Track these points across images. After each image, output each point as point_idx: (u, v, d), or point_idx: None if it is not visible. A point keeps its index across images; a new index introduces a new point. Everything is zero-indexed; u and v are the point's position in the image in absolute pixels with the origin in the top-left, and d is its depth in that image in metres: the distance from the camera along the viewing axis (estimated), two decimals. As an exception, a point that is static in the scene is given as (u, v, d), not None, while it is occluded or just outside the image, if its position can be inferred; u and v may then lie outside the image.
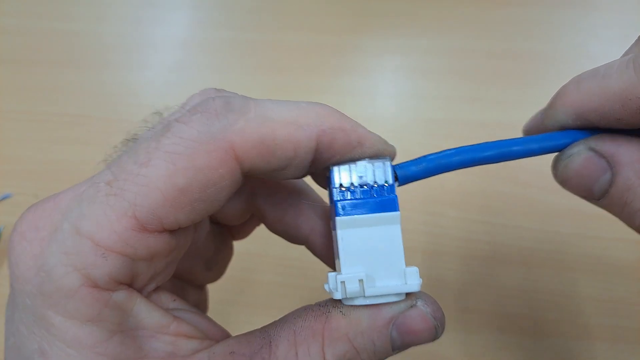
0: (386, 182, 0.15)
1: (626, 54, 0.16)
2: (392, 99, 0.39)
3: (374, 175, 0.15)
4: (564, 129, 0.16)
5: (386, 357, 0.15)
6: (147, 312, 0.15)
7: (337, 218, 0.15)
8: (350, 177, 0.15)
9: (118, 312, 0.14)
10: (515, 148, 0.17)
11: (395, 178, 0.16)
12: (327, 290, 0.15)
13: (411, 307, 0.15)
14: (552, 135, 0.16)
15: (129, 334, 0.14)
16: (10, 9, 0.45)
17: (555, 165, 0.16)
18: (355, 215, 0.15)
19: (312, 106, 0.14)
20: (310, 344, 0.14)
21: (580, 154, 0.15)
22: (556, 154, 0.16)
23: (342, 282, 0.14)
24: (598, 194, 0.15)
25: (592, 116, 0.14)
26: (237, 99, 0.14)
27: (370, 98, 0.39)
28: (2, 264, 0.34)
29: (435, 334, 0.15)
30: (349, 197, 0.15)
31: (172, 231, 0.14)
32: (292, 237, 0.19)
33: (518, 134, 0.31)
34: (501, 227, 0.33)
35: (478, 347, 0.30)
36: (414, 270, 0.15)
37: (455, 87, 0.39)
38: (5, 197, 0.36)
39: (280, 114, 0.14)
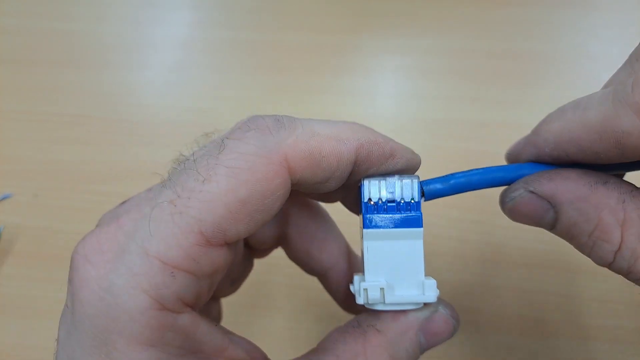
0: (413, 198, 0.16)
1: (609, 82, 0.16)
2: (392, 99, 0.39)
3: (402, 191, 0.16)
4: (539, 157, 0.16)
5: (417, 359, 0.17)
6: (208, 335, 0.15)
7: (365, 230, 0.16)
8: (380, 192, 0.16)
9: (182, 336, 0.14)
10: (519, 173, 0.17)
11: (422, 194, 0.17)
12: (352, 291, 0.17)
13: (434, 312, 0.17)
14: (507, 167, 0.17)
15: (189, 358, 0.14)
16: (10, 9, 0.45)
17: (501, 203, 0.17)
18: (382, 229, 0.16)
19: (350, 124, 0.16)
20: None
21: (522, 196, 0.16)
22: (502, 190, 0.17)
23: (365, 289, 0.16)
24: (547, 227, 0.16)
25: (569, 148, 0.14)
26: (285, 118, 0.15)
27: (370, 98, 0.39)
28: (2, 264, 0.34)
29: (453, 331, 0.17)
30: (377, 211, 0.16)
31: (230, 245, 0.14)
32: (310, 269, 0.21)
33: (518, 133, 0.31)
34: (501, 228, 0.33)
35: (477, 348, 0.30)
36: (432, 283, 0.16)
37: (455, 87, 0.39)
38: (5, 197, 0.36)
39: (324, 130, 0.15)
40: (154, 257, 0.13)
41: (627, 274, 0.14)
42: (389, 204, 0.16)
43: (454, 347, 0.30)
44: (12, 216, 0.36)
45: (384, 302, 0.16)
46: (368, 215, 0.16)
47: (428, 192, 0.17)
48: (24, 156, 0.38)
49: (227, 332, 0.16)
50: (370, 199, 0.16)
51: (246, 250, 0.21)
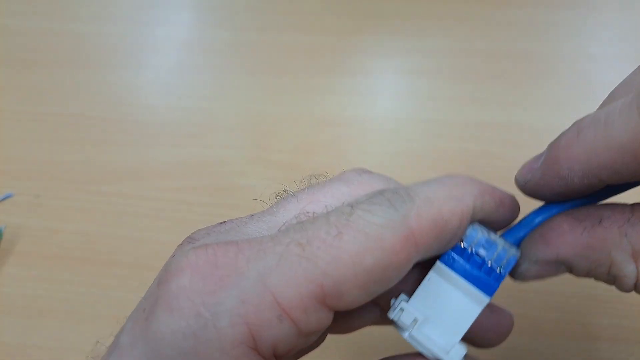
0: (501, 269, 0.16)
1: (623, 86, 0.15)
2: (393, 99, 0.39)
3: (497, 256, 0.16)
4: (569, 187, 0.14)
5: None
6: None
7: (439, 262, 0.16)
8: (477, 243, 0.16)
9: None
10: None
11: (510, 273, 0.16)
12: (391, 303, 0.16)
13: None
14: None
15: None
16: (10, 9, 0.45)
17: (512, 274, 0.17)
18: (454, 273, 0.15)
19: (455, 178, 0.16)
20: None
21: (529, 269, 0.16)
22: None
23: (402, 310, 0.15)
24: (568, 272, 0.16)
25: (602, 173, 0.13)
26: (401, 189, 0.15)
27: (370, 98, 0.39)
28: (3, 264, 0.34)
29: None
30: (462, 255, 0.16)
31: (335, 312, 0.14)
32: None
33: (518, 133, 0.31)
34: (501, 227, 0.33)
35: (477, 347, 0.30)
36: (461, 350, 0.15)
37: (455, 87, 0.39)
38: (6, 197, 0.36)
39: (438, 193, 0.15)
40: (269, 291, 0.12)
41: None
42: (476, 257, 0.16)
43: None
44: (13, 216, 0.36)
45: (409, 332, 0.15)
46: (452, 254, 0.16)
47: (517, 276, 0.16)
48: (25, 156, 0.38)
49: None
50: (463, 242, 0.16)
51: None
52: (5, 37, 0.43)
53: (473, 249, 0.16)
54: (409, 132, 0.37)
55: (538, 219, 0.16)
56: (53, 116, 0.39)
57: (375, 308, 0.19)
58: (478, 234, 0.16)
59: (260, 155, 0.37)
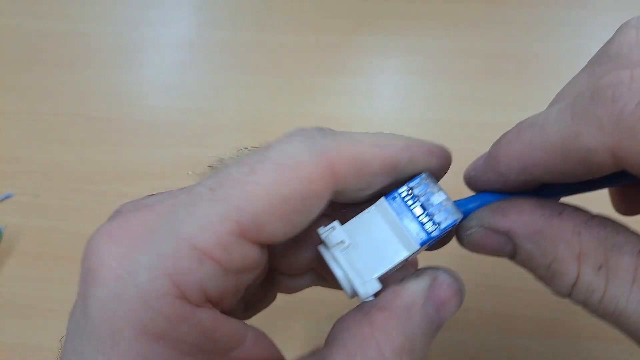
0: (439, 224, 0.16)
1: (564, 93, 0.16)
2: (392, 99, 0.39)
3: (440, 212, 0.16)
4: (506, 183, 0.15)
5: (433, 337, 0.15)
6: (227, 335, 0.14)
7: (382, 198, 0.16)
8: (424, 191, 0.16)
9: (197, 332, 0.13)
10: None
11: (457, 237, 0.17)
12: (319, 232, 0.16)
13: (434, 279, 0.16)
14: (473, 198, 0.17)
15: (201, 357, 0.13)
16: (10, 9, 0.45)
17: (458, 237, 0.17)
18: (393, 211, 0.16)
19: (387, 134, 0.16)
20: (366, 350, 0.14)
21: (478, 232, 0.16)
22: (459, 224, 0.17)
23: (332, 228, 0.15)
24: (509, 258, 0.16)
25: (535, 171, 0.14)
26: (327, 128, 0.15)
27: (370, 98, 0.39)
28: (3, 264, 0.34)
29: (462, 295, 0.16)
30: (405, 199, 0.16)
31: (262, 247, 0.14)
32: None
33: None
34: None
35: (477, 347, 0.30)
36: (375, 286, 0.15)
37: (455, 87, 0.39)
38: (6, 197, 0.36)
39: (365, 138, 0.15)
40: (184, 239, 0.12)
41: (584, 307, 0.14)
42: (419, 204, 0.16)
43: (454, 346, 0.30)
44: (13, 216, 0.36)
45: (333, 252, 0.15)
46: (396, 194, 0.16)
47: (462, 237, 0.17)
48: (24, 156, 0.38)
49: (247, 329, 0.15)
50: (412, 189, 0.16)
51: (271, 277, 0.20)
52: (5, 37, 0.43)
53: (420, 198, 0.16)
54: (409, 132, 0.37)
55: (489, 198, 0.16)
56: (53, 116, 0.39)
57: (312, 272, 0.19)
58: (428, 185, 0.16)
59: (260, 155, 0.37)
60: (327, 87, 0.39)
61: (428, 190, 0.16)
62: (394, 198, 0.16)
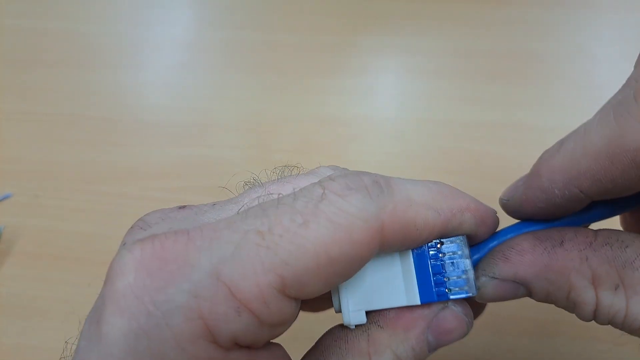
0: (450, 291, 0.15)
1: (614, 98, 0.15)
2: (392, 99, 0.39)
3: (456, 281, 0.15)
4: (550, 200, 0.14)
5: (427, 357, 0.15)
6: None
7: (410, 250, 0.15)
8: (452, 252, 0.15)
9: None
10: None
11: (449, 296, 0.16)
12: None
13: (443, 309, 0.15)
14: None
15: None
16: (10, 9, 0.45)
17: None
18: (412, 261, 0.15)
19: (442, 189, 0.15)
20: None
21: (486, 285, 0.15)
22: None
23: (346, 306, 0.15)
24: (527, 296, 0.15)
25: (582, 182, 0.13)
26: (382, 179, 0.14)
27: (370, 98, 0.39)
28: (2, 264, 0.34)
29: (466, 330, 0.15)
30: (432, 255, 0.15)
31: (297, 301, 0.13)
32: None
33: (518, 133, 0.31)
34: (501, 227, 0.33)
35: (477, 348, 0.30)
36: (361, 318, 0.15)
37: (455, 87, 0.39)
38: (5, 197, 0.36)
39: (420, 197, 0.14)
40: (224, 284, 0.11)
41: (610, 324, 0.14)
42: (440, 266, 0.15)
43: (453, 346, 0.30)
44: (12, 216, 0.36)
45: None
46: (425, 249, 0.15)
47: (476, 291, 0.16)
48: (24, 156, 0.38)
49: (273, 356, 0.15)
50: (442, 243, 0.15)
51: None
52: (5, 37, 0.43)
53: (444, 257, 0.15)
54: (409, 132, 0.37)
55: (510, 236, 0.16)
56: (53, 116, 0.39)
57: None
58: (459, 248, 0.15)
59: (260, 155, 0.37)
60: (327, 87, 0.39)
61: (457, 253, 0.15)
62: (422, 252, 0.15)
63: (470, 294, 0.15)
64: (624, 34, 0.39)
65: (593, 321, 0.14)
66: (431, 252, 0.15)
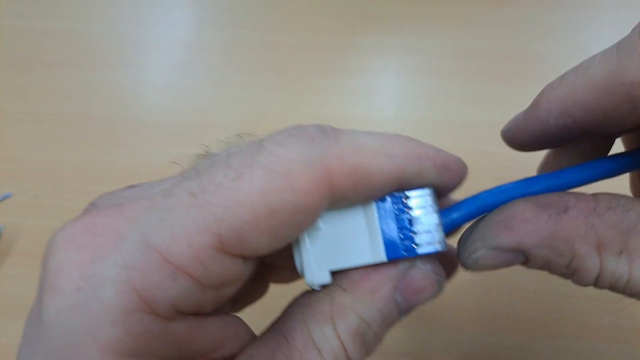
0: (418, 247, 0.14)
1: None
2: (392, 99, 0.39)
3: (425, 235, 0.14)
4: (545, 129, 0.15)
5: (396, 322, 0.15)
6: (205, 341, 0.13)
7: (373, 201, 0.14)
8: (420, 205, 0.14)
9: (172, 346, 0.12)
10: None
11: (461, 262, 0.15)
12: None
13: (411, 267, 0.14)
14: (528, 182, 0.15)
15: None
16: (10, 9, 0.45)
17: (462, 261, 0.15)
18: (376, 214, 0.14)
19: (396, 137, 0.14)
20: (323, 327, 0.13)
21: (486, 255, 0.14)
22: (457, 243, 0.16)
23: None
24: (520, 264, 0.15)
25: (576, 112, 0.13)
26: (329, 127, 0.13)
27: (370, 98, 0.39)
28: (2, 264, 0.34)
29: (438, 289, 0.15)
30: (397, 207, 0.14)
31: (245, 259, 0.13)
32: None
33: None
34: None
35: (477, 348, 0.30)
36: (325, 278, 0.14)
37: (455, 87, 0.39)
38: (5, 197, 0.36)
39: (370, 143, 0.13)
40: (155, 251, 0.11)
41: (609, 290, 0.14)
42: (406, 219, 0.14)
43: (453, 346, 0.30)
44: (12, 216, 0.36)
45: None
46: (391, 198, 0.14)
47: (470, 263, 0.15)
48: (24, 156, 0.38)
49: (227, 326, 0.14)
50: (408, 198, 0.14)
51: (262, 269, 0.19)
52: (5, 37, 0.43)
53: (411, 211, 0.14)
54: (409, 132, 0.37)
55: (489, 199, 0.15)
56: (52, 116, 0.39)
57: None
58: (426, 202, 0.14)
59: (260, 155, 0.37)
60: (327, 87, 0.39)
61: (424, 206, 0.14)
62: (384, 200, 0.14)
63: (440, 249, 0.14)
64: (624, 34, 0.39)
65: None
66: (396, 206, 0.14)
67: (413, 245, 0.14)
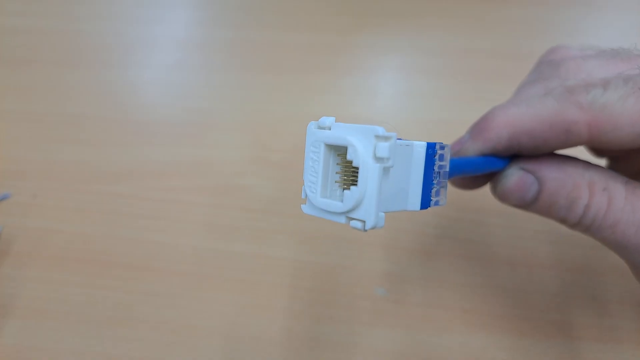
0: (434, 200, 0.17)
1: (525, 85, 0.20)
2: (393, 98, 0.39)
3: (439, 189, 0.17)
4: (495, 148, 0.19)
5: None
6: None
7: (425, 144, 0.16)
8: (439, 159, 0.17)
9: None
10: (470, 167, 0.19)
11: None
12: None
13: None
14: (493, 159, 0.19)
15: None
16: (10, 9, 0.45)
17: (494, 185, 0.20)
18: (423, 162, 0.16)
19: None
20: None
21: (514, 173, 0.19)
22: (495, 177, 0.20)
23: (389, 138, 0.14)
24: (530, 201, 0.19)
25: (523, 138, 0.18)
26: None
27: (370, 98, 0.39)
28: (1, 264, 0.34)
29: None
30: (431, 161, 0.16)
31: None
32: None
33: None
34: (501, 228, 0.33)
35: (477, 348, 0.30)
36: (382, 219, 0.15)
37: (455, 87, 0.39)
38: (3, 197, 0.36)
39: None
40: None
41: (590, 227, 0.18)
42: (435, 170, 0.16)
43: (454, 348, 0.30)
44: (10, 216, 0.35)
45: (379, 165, 0.14)
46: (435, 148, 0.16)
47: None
48: (23, 156, 0.38)
49: None
50: (437, 161, 0.16)
51: None
52: (5, 37, 0.43)
53: (435, 166, 0.16)
54: (409, 132, 0.37)
55: (479, 160, 0.19)
56: (51, 116, 0.39)
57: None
58: (445, 156, 0.17)
59: (260, 155, 0.37)
60: (327, 86, 0.39)
61: (444, 161, 0.17)
62: (432, 154, 0.16)
63: (441, 204, 0.17)
64: (623, 33, 0.39)
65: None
66: (433, 160, 0.16)
67: (432, 198, 0.17)
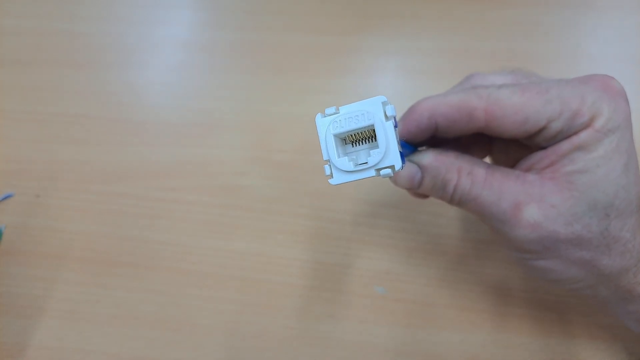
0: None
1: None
2: (393, 99, 0.39)
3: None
4: (419, 126, 0.23)
5: None
6: None
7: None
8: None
9: None
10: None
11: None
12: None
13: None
14: (405, 144, 0.24)
15: None
16: (11, 9, 0.45)
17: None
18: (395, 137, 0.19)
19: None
20: None
21: (404, 165, 0.23)
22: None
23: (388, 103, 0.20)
24: (416, 185, 0.23)
25: (439, 118, 0.23)
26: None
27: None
28: (3, 263, 0.34)
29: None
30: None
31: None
32: None
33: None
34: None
35: (476, 347, 0.30)
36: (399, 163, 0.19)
37: (455, 87, 0.39)
38: (6, 197, 0.36)
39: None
40: None
41: (460, 201, 0.23)
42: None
43: (453, 345, 0.30)
44: (13, 216, 0.36)
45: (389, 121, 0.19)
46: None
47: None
48: (25, 156, 0.38)
49: None
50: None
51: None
52: (5, 37, 0.43)
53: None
54: (409, 132, 0.37)
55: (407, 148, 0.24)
56: (53, 116, 0.39)
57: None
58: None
59: (260, 155, 0.37)
60: (327, 86, 0.39)
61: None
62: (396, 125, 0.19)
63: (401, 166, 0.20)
64: (622, 34, 0.39)
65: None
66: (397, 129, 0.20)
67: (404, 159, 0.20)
